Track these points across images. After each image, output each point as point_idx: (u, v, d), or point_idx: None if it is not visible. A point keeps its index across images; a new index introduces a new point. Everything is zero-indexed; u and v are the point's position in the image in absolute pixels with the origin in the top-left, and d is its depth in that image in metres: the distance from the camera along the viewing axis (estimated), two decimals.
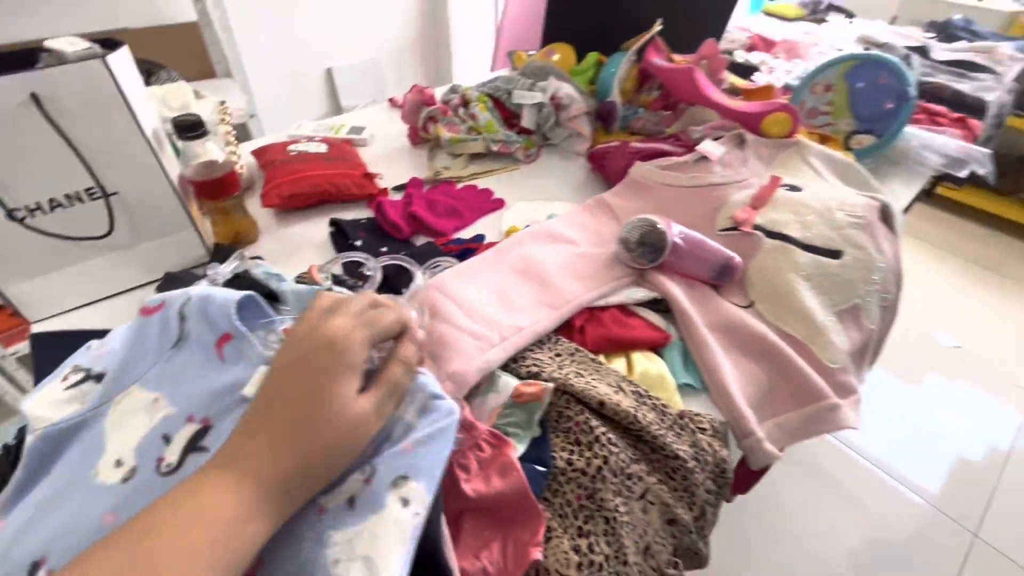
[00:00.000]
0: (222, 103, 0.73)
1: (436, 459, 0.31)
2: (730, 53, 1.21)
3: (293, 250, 0.67)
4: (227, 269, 0.44)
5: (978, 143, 1.05)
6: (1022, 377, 1.66)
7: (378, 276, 0.46)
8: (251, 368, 0.34)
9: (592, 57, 0.95)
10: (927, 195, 2.41)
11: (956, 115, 1.02)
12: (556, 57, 0.97)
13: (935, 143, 0.85)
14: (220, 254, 0.60)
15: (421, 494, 0.29)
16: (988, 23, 1.73)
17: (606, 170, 0.80)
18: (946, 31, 1.50)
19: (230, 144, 0.73)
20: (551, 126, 0.87)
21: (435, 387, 0.32)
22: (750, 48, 1.26)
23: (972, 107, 1.07)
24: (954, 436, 1.50)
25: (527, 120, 0.86)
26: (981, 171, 0.83)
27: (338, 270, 0.55)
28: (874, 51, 1.00)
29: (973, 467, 1.42)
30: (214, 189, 0.59)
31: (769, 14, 1.63)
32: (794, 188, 0.67)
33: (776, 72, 1.10)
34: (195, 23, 1.39)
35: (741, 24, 1.43)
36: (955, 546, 1.25)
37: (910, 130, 0.87)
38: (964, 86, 1.14)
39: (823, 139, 0.82)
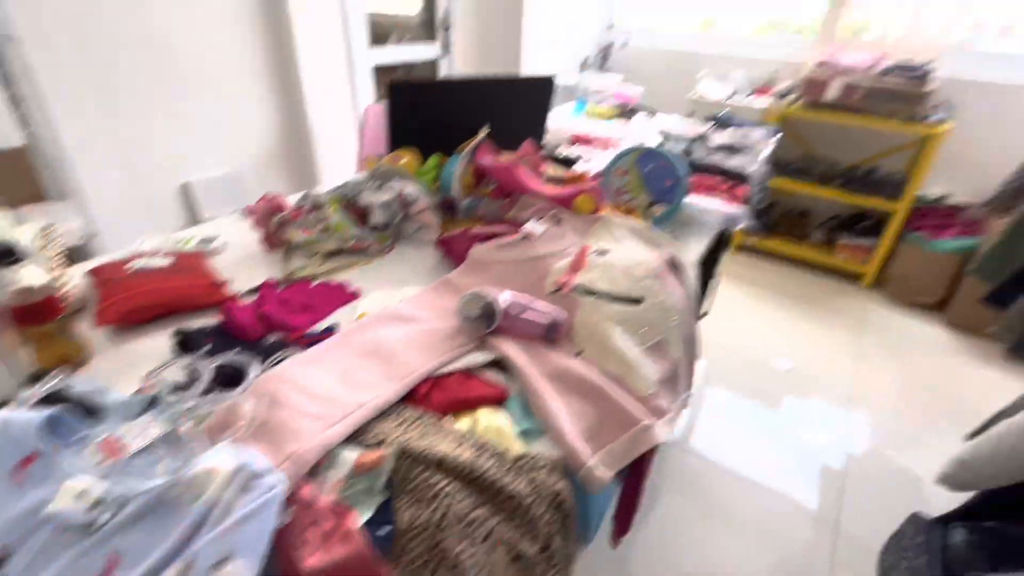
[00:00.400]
0: (46, 227, 0.71)
1: (258, 534, 0.32)
2: (556, 148, 1.44)
3: (132, 366, 0.65)
4: (40, 390, 0.43)
5: (750, 203, 1.34)
6: (843, 387, 1.98)
7: (206, 376, 0.47)
8: (56, 484, 0.33)
9: (434, 159, 1.08)
10: (743, 247, 2.90)
11: (728, 184, 1.30)
12: (403, 161, 1.08)
13: (711, 207, 1.08)
14: (41, 380, 0.56)
15: (244, 570, 0.31)
16: (749, 116, 2.26)
17: (453, 254, 0.89)
18: (720, 122, 1.92)
19: (56, 267, 0.71)
20: (400, 221, 0.96)
21: (258, 465, 0.35)
22: (573, 142, 1.51)
23: (739, 177, 1.38)
24: (807, 445, 1.72)
25: (377, 217, 0.94)
26: (746, 224, 1.07)
27: (178, 375, 0.55)
28: (649, 144, 1.25)
29: (826, 471, 1.64)
30: (32, 314, 0.57)
31: (589, 115, 1.97)
32: (603, 252, 0.81)
33: (593, 161, 1.33)
34: (21, 148, 1.33)
35: (567, 124, 1.71)
36: (823, 544, 1.41)
37: (692, 199, 1.09)
38: (733, 162, 1.46)
39: (628, 211, 1.01)
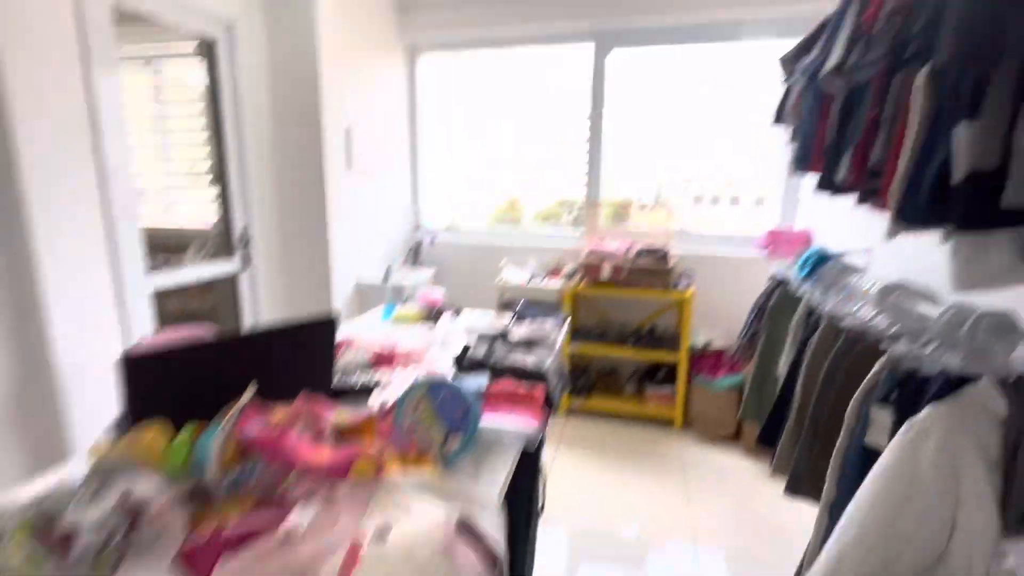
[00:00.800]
0: None
1: None
2: (354, 373, 1.38)
3: None
4: None
5: (553, 397, 1.41)
6: (688, 532, 2.03)
7: None
8: None
9: (187, 432, 0.91)
10: (572, 410, 3.06)
11: (528, 386, 1.36)
12: (145, 441, 0.89)
13: (506, 427, 1.09)
14: None
15: None
16: (547, 297, 2.56)
17: (198, 571, 0.70)
18: (519, 315, 2.11)
19: None
20: (126, 535, 0.75)
21: None
22: (375, 362, 1.47)
23: (538, 375, 1.46)
24: None
25: (87, 538, 0.72)
26: (539, 437, 1.09)
27: None
28: (437, 376, 1.25)
29: None
30: None
31: (397, 320, 2.00)
32: (383, 535, 0.71)
33: (393, 385, 1.29)
34: None
35: (371, 336, 1.69)
36: None
37: (487, 421, 1.09)
38: (531, 359, 1.56)
39: (420, 455, 0.95)
